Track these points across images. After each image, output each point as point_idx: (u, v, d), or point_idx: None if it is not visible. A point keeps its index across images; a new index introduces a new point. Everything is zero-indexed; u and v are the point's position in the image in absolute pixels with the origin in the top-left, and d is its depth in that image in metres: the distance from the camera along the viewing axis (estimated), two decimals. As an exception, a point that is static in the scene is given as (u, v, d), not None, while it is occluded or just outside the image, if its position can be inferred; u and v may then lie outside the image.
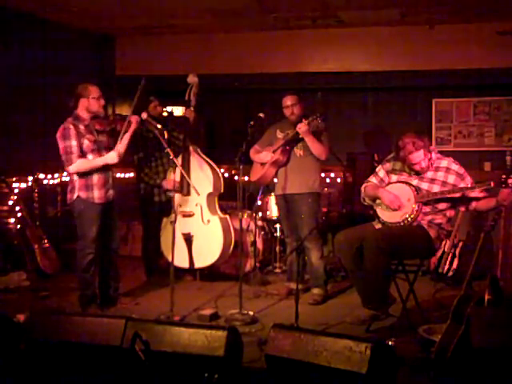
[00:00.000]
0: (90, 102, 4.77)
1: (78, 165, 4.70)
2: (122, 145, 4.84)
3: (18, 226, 6.02)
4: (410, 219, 4.33)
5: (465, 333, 3.32)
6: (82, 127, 4.74)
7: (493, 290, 3.47)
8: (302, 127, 5.07)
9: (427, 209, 4.34)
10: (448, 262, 5.81)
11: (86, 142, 4.73)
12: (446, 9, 6.40)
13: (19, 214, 6.02)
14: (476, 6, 6.24)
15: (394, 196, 4.39)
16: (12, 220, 6.08)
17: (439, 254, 5.86)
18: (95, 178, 4.78)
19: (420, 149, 4.33)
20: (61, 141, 4.70)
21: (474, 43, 6.96)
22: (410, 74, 7.30)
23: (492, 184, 4.11)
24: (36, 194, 6.33)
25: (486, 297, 3.44)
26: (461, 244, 5.87)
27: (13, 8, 6.22)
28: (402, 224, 4.35)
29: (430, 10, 6.47)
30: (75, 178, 4.76)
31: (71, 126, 4.70)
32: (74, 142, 4.68)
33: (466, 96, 7.59)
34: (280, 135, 5.40)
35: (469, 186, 4.30)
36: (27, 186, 6.33)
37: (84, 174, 4.75)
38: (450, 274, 5.78)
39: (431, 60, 7.12)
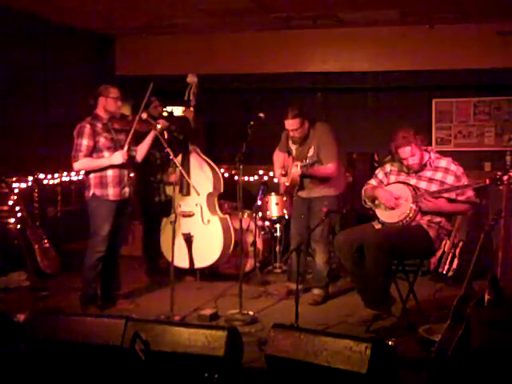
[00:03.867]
0: (107, 101, 4.86)
1: (81, 163, 4.79)
2: (142, 147, 5.08)
3: (18, 226, 6.02)
4: (408, 219, 4.34)
5: (465, 333, 3.32)
6: (99, 125, 4.83)
7: (493, 290, 3.47)
8: (296, 174, 5.03)
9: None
10: (448, 262, 5.81)
11: (101, 140, 4.81)
12: (446, 9, 6.40)
13: (19, 214, 6.01)
14: (476, 6, 6.24)
15: (389, 194, 4.42)
16: (12, 220, 6.08)
17: (439, 253, 5.86)
18: (110, 175, 4.84)
19: (408, 144, 4.34)
20: (75, 138, 4.82)
21: (474, 43, 6.96)
22: (410, 74, 7.30)
23: (487, 181, 4.11)
24: (36, 194, 6.33)
25: (486, 297, 3.44)
26: (461, 244, 5.87)
27: (13, 8, 6.22)
28: (400, 224, 4.36)
29: (430, 10, 6.47)
30: (91, 175, 4.84)
31: (87, 125, 4.79)
32: (85, 141, 4.77)
33: (465, 96, 7.59)
34: (292, 147, 5.34)
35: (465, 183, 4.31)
36: (27, 186, 6.32)
37: (99, 172, 4.82)
38: (450, 274, 5.79)
39: (431, 60, 7.13)
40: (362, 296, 4.41)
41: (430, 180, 4.38)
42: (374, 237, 4.24)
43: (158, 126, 5.05)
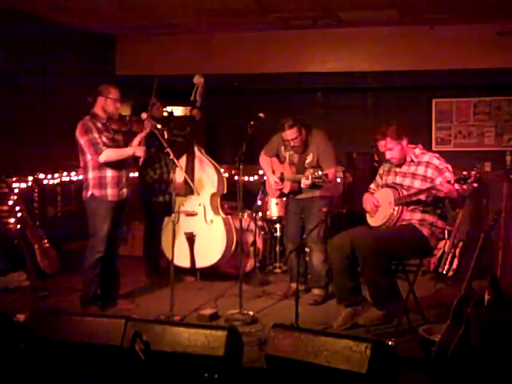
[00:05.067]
0: (106, 102, 4.85)
1: (107, 153, 4.76)
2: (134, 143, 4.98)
3: (18, 226, 6.01)
4: (390, 221, 4.37)
5: (465, 333, 3.32)
6: (99, 125, 4.82)
7: (493, 290, 3.47)
8: (305, 185, 5.04)
9: (411, 206, 4.37)
10: (448, 262, 5.80)
11: (103, 139, 4.80)
12: (446, 9, 6.40)
13: (19, 214, 6.01)
14: (476, 5, 6.24)
15: (369, 199, 4.52)
16: (12, 220, 6.08)
17: (439, 253, 5.85)
18: (109, 176, 4.83)
19: (383, 138, 4.42)
20: (83, 135, 4.76)
21: (474, 43, 6.96)
22: (410, 74, 7.30)
23: (452, 180, 4.07)
24: (36, 194, 6.33)
25: (486, 297, 3.44)
26: (461, 244, 5.87)
27: (13, 8, 6.21)
28: (384, 226, 4.41)
29: (430, 10, 6.47)
30: (90, 175, 4.83)
31: (89, 122, 4.79)
32: (96, 135, 4.77)
33: (466, 96, 7.60)
34: (285, 153, 5.35)
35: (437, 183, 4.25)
36: (27, 186, 6.32)
37: (98, 172, 4.81)
38: (450, 273, 5.78)
39: (431, 60, 7.13)
40: (372, 300, 4.41)
41: (414, 176, 4.40)
42: (363, 240, 4.28)
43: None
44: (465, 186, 4.08)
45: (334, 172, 5.19)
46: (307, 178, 4.92)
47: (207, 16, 6.78)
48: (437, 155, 4.45)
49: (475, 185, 4.04)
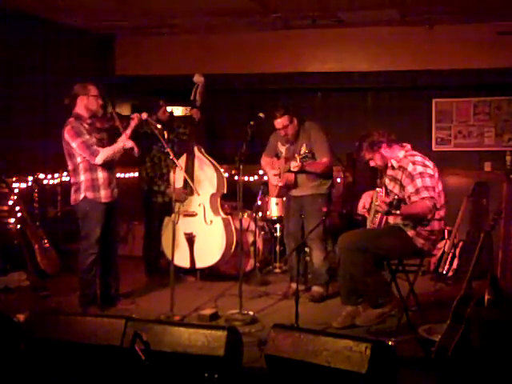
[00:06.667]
0: (89, 100, 4.79)
1: (103, 154, 4.73)
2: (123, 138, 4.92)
3: (18, 226, 6.01)
4: (372, 225, 4.41)
5: (465, 333, 3.32)
6: (86, 126, 4.78)
7: (493, 290, 3.47)
8: (295, 168, 5.04)
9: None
10: (448, 262, 5.80)
11: (93, 140, 4.75)
12: (446, 9, 6.40)
13: (19, 214, 6.01)
14: (476, 5, 6.24)
15: (361, 199, 4.56)
16: (12, 220, 6.07)
17: (439, 253, 5.86)
18: (101, 177, 4.80)
19: (358, 153, 4.45)
20: (75, 138, 4.70)
21: (474, 43, 6.96)
22: (410, 73, 7.30)
23: (387, 201, 4.09)
24: (36, 194, 6.33)
25: (486, 297, 3.44)
26: (461, 244, 5.87)
27: (13, 8, 6.22)
28: (371, 227, 4.45)
29: (430, 10, 6.47)
30: (81, 178, 4.77)
31: (78, 124, 4.73)
32: (87, 136, 4.72)
33: (465, 96, 7.60)
34: (282, 148, 5.39)
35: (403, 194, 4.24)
36: (27, 186, 6.32)
37: (90, 175, 4.76)
38: (450, 274, 5.78)
39: (431, 60, 7.13)
40: (366, 298, 4.44)
41: (395, 180, 4.36)
42: (342, 240, 4.36)
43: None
44: (420, 203, 4.10)
45: (328, 160, 5.18)
46: (295, 161, 4.96)
47: (207, 16, 6.78)
48: (414, 159, 4.26)
49: (398, 212, 4.02)
